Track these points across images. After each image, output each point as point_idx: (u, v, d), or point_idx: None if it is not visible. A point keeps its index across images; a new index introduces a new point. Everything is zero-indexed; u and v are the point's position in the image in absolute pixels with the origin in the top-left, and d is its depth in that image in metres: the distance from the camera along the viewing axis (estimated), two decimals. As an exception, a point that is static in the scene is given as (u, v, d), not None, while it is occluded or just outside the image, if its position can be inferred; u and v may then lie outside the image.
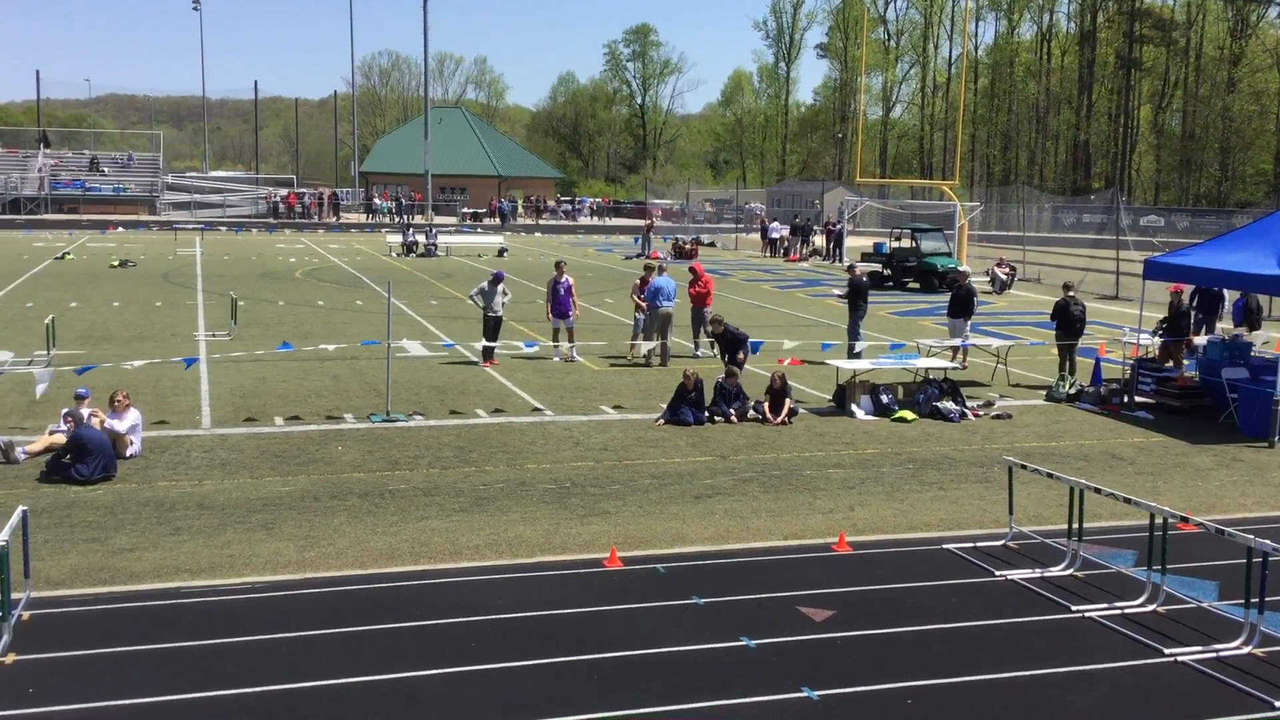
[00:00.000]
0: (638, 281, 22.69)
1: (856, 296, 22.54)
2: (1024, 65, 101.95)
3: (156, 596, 9.63)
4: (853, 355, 21.30)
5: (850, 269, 25.17)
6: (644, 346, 21.84)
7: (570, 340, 22.26)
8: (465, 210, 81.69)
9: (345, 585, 9.99)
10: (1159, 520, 9.62)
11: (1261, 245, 17.26)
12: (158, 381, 18.90)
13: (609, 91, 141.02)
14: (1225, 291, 24.66)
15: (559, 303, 22.14)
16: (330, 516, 11.92)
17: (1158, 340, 20.44)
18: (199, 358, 21.13)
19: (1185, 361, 19.95)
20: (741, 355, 19.04)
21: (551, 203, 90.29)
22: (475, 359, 21.54)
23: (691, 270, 23.66)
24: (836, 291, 34.63)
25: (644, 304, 22.15)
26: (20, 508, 9.32)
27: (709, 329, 20.82)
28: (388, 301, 18.26)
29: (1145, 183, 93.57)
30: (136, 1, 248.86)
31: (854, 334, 22.52)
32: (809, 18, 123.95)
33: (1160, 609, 9.73)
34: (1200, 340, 21.01)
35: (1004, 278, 38.89)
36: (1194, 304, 23.91)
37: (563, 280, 22.17)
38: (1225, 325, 24.83)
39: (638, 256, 48.20)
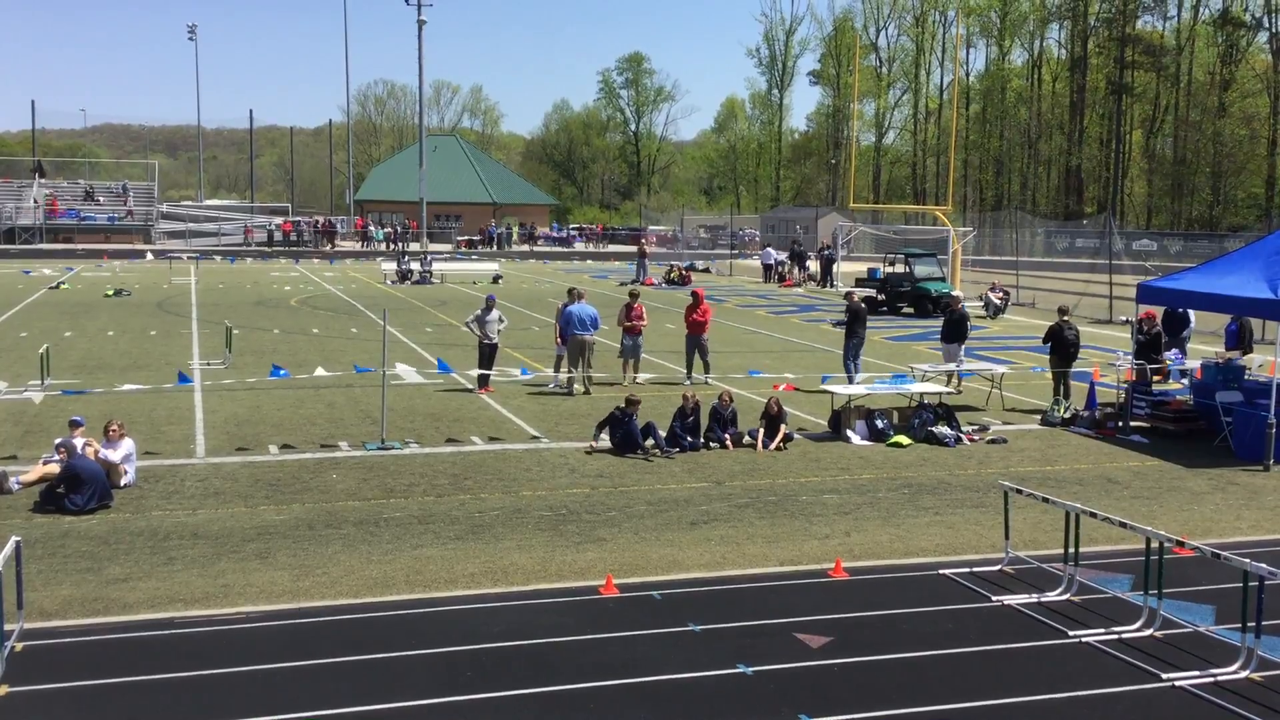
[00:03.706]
0: (560, 308, 22.59)
1: (855, 323, 22.45)
2: (1015, 91, 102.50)
3: (150, 627, 9.59)
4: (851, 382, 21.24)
5: (848, 295, 24.82)
6: (562, 374, 21.79)
7: (569, 368, 22.23)
8: (460, 238, 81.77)
9: (340, 614, 9.95)
10: (1155, 544, 9.61)
11: (1253, 269, 17.33)
12: (152, 411, 18.87)
13: (603, 119, 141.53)
14: (1190, 313, 24.76)
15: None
16: (325, 545, 11.89)
17: (1127, 363, 20.43)
18: (192, 380, 21.11)
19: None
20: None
21: (543, 230, 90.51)
22: (470, 386, 21.53)
23: (693, 295, 23.54)
24: (830, 320, 34.66)
25: (559, 337, 22.09)
26: (14, 538, 9.28)
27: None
28: (383, 329, 18.27)
29: (1137, 207, 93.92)
30: (132, 32, 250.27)
31: (849, 361, 22.42)
32: (801, 45, 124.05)
33: (1157, 633, 9.72)
34: (1191, 364, 21.07)
35: (998, 302, 38.99)
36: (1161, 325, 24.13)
37: (569, 307, 22.06)
38: (1218, 349, 24.89)
39: (633, 282, 48.31)
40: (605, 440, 16.58)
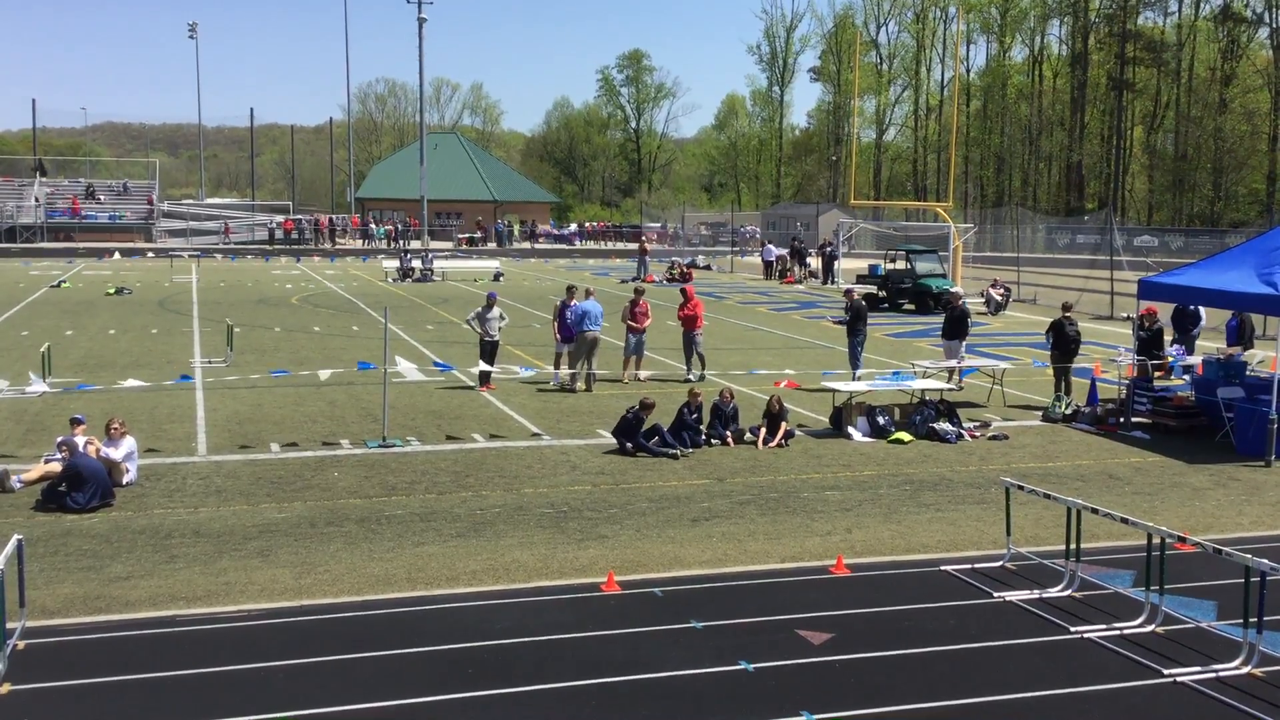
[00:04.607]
0: (557, 306, 22.58)
1: (856, 320, 22.48)
2: (1016, 87, 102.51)
3: (152, 625, 9.59)
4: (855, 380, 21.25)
5: (848, 292, 24.71)
6: (564, 371, 21.73)
7: (572, 365, 22.22)
8: (461, 236, 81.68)
9: (341, 612, 9.95)
10: (1157, 540, 9.62)
11: (1254, 264, 17.31)
12: (154, 409, 18.87)
13: (603, 116, 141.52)
14: (1201, 310, 24.73)
15: (566, 328, 21.97)
16: (326, 543, 11.90)
17: (1129, 359, 20.43)
18: (193, 377, 21.12)
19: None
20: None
21: (544, 227, 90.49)
22: (471, 383, 21.53)
23: (682, 292, 23.59)
24: (832, 317, 34.64)
25: (557, 333, 22.05)
26: (15, 536, 9.28)
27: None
28: (384, 327, 18.27)
29: (1139, 203, 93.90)
30: (132, 30, 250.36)
31: (855, 360, 22.42)
32: (802, 42, 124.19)
33: (1159, 629, 9.72)
34: (1193, 360, 21.07)
35: (999, 299, 38.98)
36: (1171, 321, 24.22)
37: (572, 305, 21.98)
38: (1219, 344, 24.88)
39: (633, 279, 48.30)
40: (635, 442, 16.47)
